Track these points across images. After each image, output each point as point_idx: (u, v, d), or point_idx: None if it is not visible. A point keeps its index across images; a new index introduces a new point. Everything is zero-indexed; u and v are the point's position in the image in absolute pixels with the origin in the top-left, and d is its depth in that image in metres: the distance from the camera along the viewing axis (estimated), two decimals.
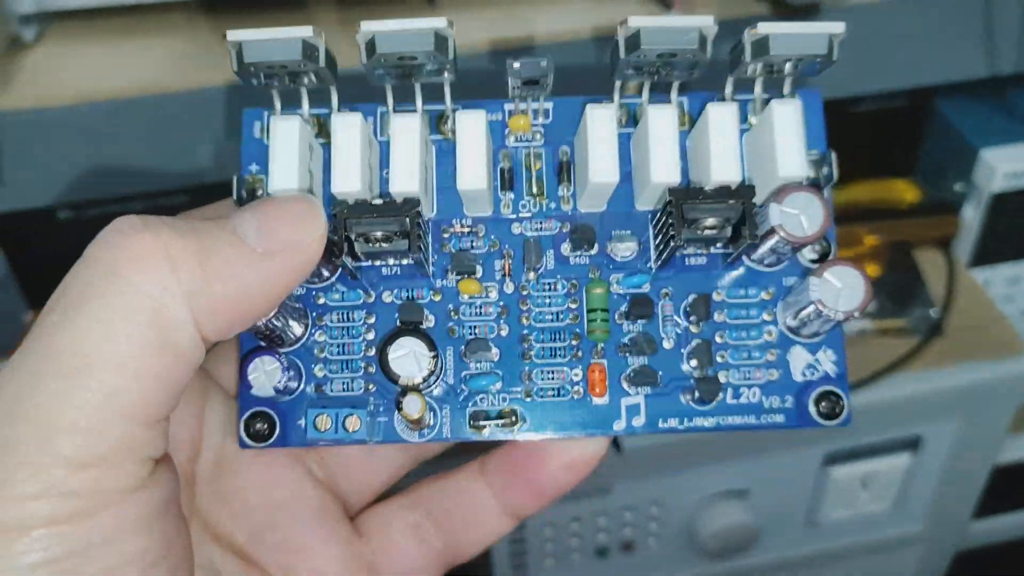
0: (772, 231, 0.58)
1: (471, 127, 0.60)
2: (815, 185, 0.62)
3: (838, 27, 0.58)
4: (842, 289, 0.58)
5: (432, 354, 0.60)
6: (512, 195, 0.65)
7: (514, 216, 0.65)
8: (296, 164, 0.59)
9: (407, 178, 0.59)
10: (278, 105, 0.62)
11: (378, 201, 0.58)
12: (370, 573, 0.68)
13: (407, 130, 0.59)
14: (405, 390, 0.60)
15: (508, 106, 0.66)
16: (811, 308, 0.59)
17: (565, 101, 0.66)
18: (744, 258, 0.64)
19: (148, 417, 0.48)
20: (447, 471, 0.69)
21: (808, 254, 0.64)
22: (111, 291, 0.47)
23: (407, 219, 0.57)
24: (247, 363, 0.61)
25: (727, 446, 1.29)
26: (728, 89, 0.63)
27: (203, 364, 0.65)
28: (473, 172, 0.60)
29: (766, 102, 0.63)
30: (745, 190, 0.58)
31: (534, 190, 0.65)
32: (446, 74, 0.60)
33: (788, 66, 0.59)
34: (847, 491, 1.37)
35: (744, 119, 0.65)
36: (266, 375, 0.61)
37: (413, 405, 0.59)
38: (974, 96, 1.36)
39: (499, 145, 0.66)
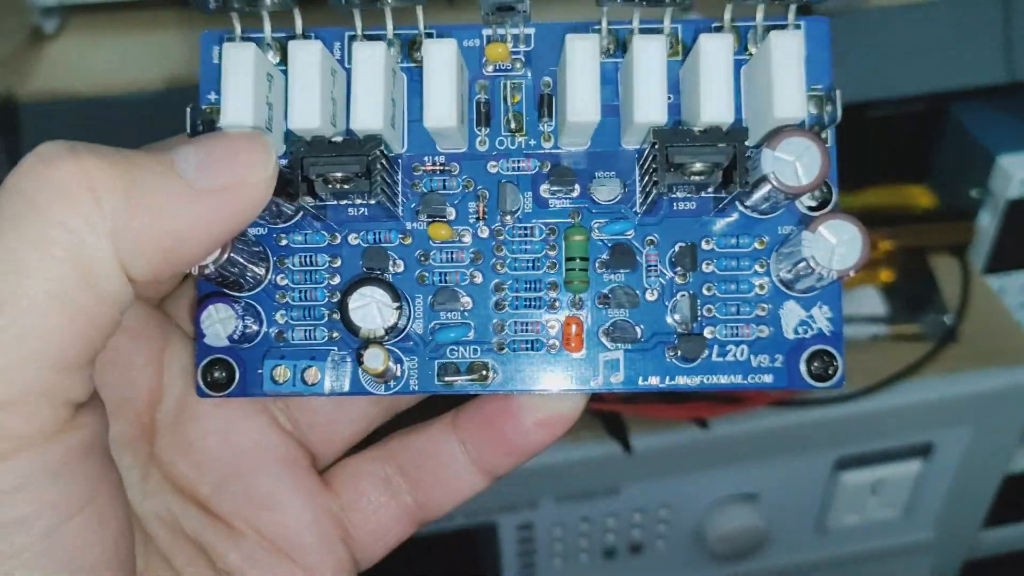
0: (764, 179, 0.53)
1: (439, 58, 0.55)
2: (817, 127, 0.58)
3: None
4: (837, 245, 0.54)
5: (396, 305, 0.56)
6: (488, 130, 0.60)
7: (491, 153, 0.60)
8: (250, 96, 0.54)
9: (370, 114, 0.54)
10: (238, 29, 0.57)
11: (338, 139, 0.54)
12: (339, 528, 0.65)
13: (370, 60, 0.55)
14: (367, 342, 0.57)
15: (486, 31, 0.60)
16: (802, 264, 0.55)
17: (548, 26, 0.61)
18: (737, 204, 0.59)
19: (65, 360, 0.45)
20: (419, 424, 0.66)
21: (807, 201, 0.60)
22: (26, 223, 0.44)
23: (368, 159, 0.53)
24: (200, 310, 0.58)
25: (738, 449, 1.27)
26: (726, 16, 0.58)
27: (164, 306, 0.63)
28: (441, 108, 0.55)
29: (768, 31, 0.57)
30: (736, 133, 0.53)
31: (512, 125, 0.60)
32: None
33: None
34: (857, 497, 1.35)
35: (744, 48, 0.60)
36: (220, 324, 0.58)
37: (375, 359, 0.56)
38: (991, 102, 1.34)
39: (475, 75, 0.61)
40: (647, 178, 0.57)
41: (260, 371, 0.60)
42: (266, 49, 0.59)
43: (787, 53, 0.54)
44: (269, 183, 0.49)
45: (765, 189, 0.54)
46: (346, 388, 0.60)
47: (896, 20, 1.17)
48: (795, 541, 1.42)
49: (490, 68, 0.61)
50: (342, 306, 0.56)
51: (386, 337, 0.57)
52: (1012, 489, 1.45)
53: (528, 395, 0.61)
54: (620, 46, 0.60)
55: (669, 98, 0.57)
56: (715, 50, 0.54)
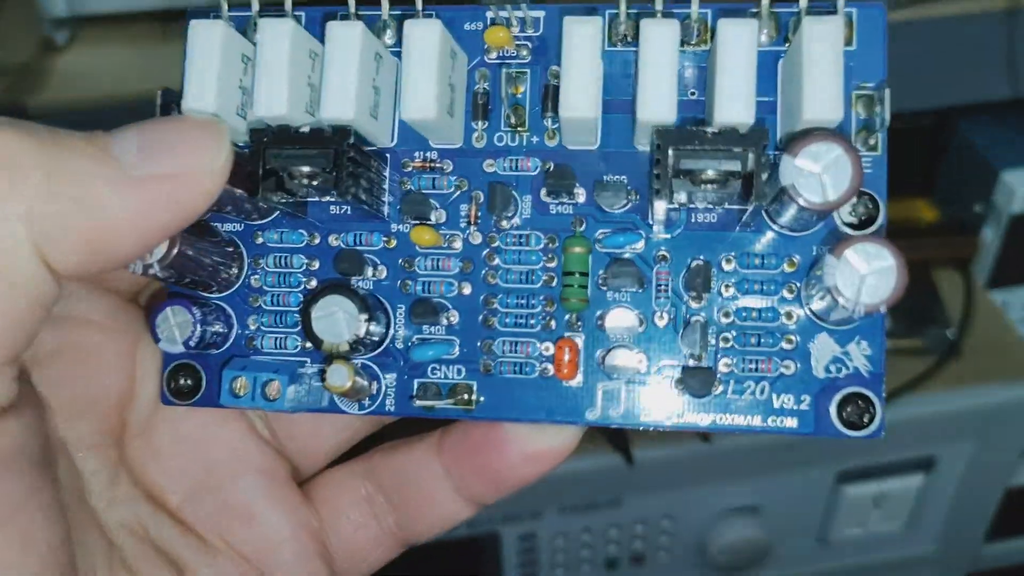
0: (783, 192, 0.45)
1: (419, 41, 0.49)
2: (865, 132, 0.51)
3: None
4: (867, 275, 0.45)
5: (364, 317, 0.50)
6: (487, 125, 0.54)
7: (488, 150, 0.54)
8: (214, 80, 0.48)
9: (340, 102, 0.48)
10: (224, 6, 0.52)
11: (305, 129, 0.48)
12: (318, 545, 0.59)
13: (344, 42, 0.49)
14: (330, 357, 0.52)
15: (489, 14, 0.54)
16: (826, 294, 0.46)
17: (560, 9, 0.52)
18: (765, 218, 0.51)
19: None
20: (404, 441, 0.59)
21: (846, 217, 0.50)
22: None
23: (334, 153, 0.47)
24: (155, 312, 0.53)
25: (740, 462, 1.27)
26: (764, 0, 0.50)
27: (140, 302, 0.58)
28: (419, 97, 0.49)
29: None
30: (754, 135, 0.45)
31: (512, 120, 0.53)
32: None
33: None
34: (859, 510, 1.35)
35: (784, 39, 0.51)
36: (176, 328, 0.52)
37: (338, 376, 0.51)
38: (996, 118, 1.34)
39: (476, 63, 0.54)
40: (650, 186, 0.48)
41: (219, 381, 0.54)
42: (254, 29, 0.53)
43: (822, 43, 0.46)
44: (218, 174, 0.44)
45: (792, 207, 0.45)
46: (310, 405, 0.54)
47: (901, 36, 1.17)
48: (797, 554, 1.41)
49: (493, 55, 0.54)
50: (304, 316, 0.51)
51: (352, 352, 0.52)
52: (1014, 503, 1.45)
53: (517, 424, 0.54)
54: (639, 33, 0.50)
55: (692, 94, 0.52)
56: (734, 37, 0.46)
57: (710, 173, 0.45)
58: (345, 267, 0.53)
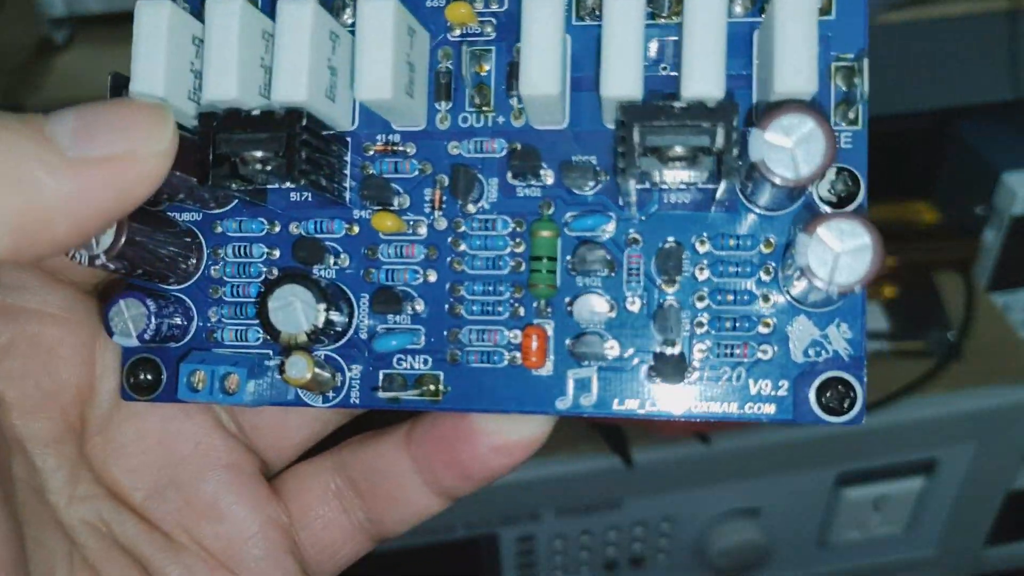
0: (754, 169, 0.43)
1: (373, 17, 0.47)
2: (844, 105, 0.48)
3: None
4: (841, 253, 0.42)
5: (322, 306, 0.49)
6: (451, 106, 0.52)
7: (452, 132, 0.52)
8: (162, 62, 0.46)
9: (291, 83, 0.46)
10: None
11: (256, 112, 0.46)
12: (287, 540, 0.58)
13: (295, 19, 0.46)
14: (288, 348, 0.50)
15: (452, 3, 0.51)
16: (802, 276, 0.44)
17: None
18: (740, 197, 0.49)
19: None
20: (373, 433, 0.58)
21: (824, 195, 0.48)
22: None
23: (286, 136, 0.45)
24: (109, 305, 0.51)
25: (740, 464, 1.26)
26: None
27: (97, 296, 0.56)
28: (373, 76, 0.47)
29: None
30: (724, 109, 0.43)
31: (477, 100, 0.51)
32: None
33: None
34: (859, 513, 1.34)
35: (760, 9, 0.49)
36: (130, 321, 0.50)
37: (296, 367, 0.49)
38: (996, 119, 1.34)
39: (439, 41, 0.52)
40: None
41: (178, 375, 0.51)
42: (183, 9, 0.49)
43: (796, 11, 0.44)
44: (161, 158, 0.42)
45: (765, 184, 0.43)
46: (273, 399, 0.52)
47: (902, 37, 1.17)
48: (797, 557, 1.40)
49: (456, 32, 0.52)
50: (260, 307, 0.49)
51: (312, 343, 0.50)
52: (1015, 506, 1.44)
53: (485, 415, 0.53)
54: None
55: (664, 69, 0.50)
56: (703, 6, 0.44)
57: (678, 150, 0.43)
58: (304, 256, 0.52)
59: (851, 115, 0.49)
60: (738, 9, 0.50)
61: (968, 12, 1.14)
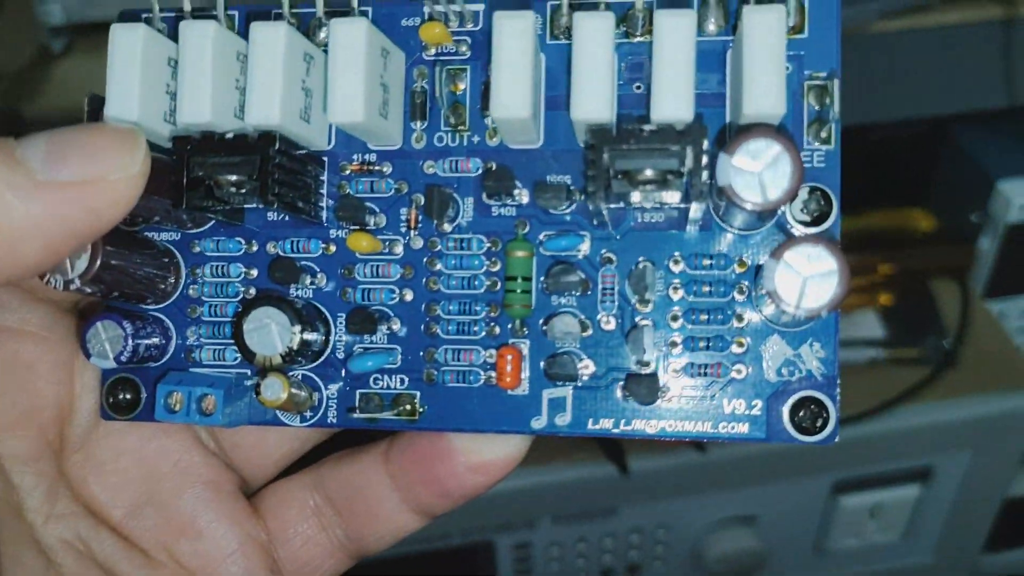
0: (722, 193, 0.43)
1: (346, 40, 0.47)
2: (817, 124, 0.49)
3: None
4: (809, 278, 0.43)
5: (297, 328, 0.49)
6: (426, 125, 0.52)
7: (428, 151, 0.52)
8: (136, 86, 0.46)
9: (265, 106, 0.46)
10: (156, 8, 0.50)
11: (230, 136, 0.46)
12: (266, 559, 0.58)
13: (269, 43, 0.46)
14: (264, 370, 0.50)
15: (426, 9, 0.51)
16: (768, 296, 0.44)
17: (497, 2, 0.51)
18: (713, 217, 0.49)
19: None
20: (351, 451, 0.58)
21: (797, 215, 0.48)
22: None
23: (260, 159, 0.46)
24: (87, 326, 0.51)
25: (736, 471, 1.26)
26: None
27: (77, 314, 0.56)
28: (347, 100, 0.47)
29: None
30: (693, 132, 0.43)
31: (452, 120, 0.51)
32: None
33: None
34: (856, 520, 1.34)
35: (732, 29, 0.49)
36: (108, 343, 0.50)
37: (272, 389, 0.49)
38: (992, 127, 1.33)
39: (414, 60, 0.52)
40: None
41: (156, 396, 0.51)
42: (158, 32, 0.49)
43: (764, 34, 0.44)
44: (133, 182, 0.42)
45: (735, 208, 0.43)
46: (251, 418, 0.52)
47: (897, 44, 1.17)
48: (793, 564, 1.39)
49: (431, 52, 0.52)
50: (235, 329, 0.50)
51: (288, 364, 0.50)
52: (1012, 513, 1.44)
53: (462, 434, 0.53)
54: None
55: (638, 87, 0.50)
56: (671, 29, 0.44)
57: (648, 173, 0.43)
58: (280, 276, 0.52)
59: (823, 134, 0.49)
60: (711, 27, 0.50)
61: (963, 20, 1.14)
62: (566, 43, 0.50)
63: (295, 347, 0.49)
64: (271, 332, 0.49)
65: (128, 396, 0.54)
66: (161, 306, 0.54)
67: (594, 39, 0.45)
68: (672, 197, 0.45)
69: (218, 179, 0.46)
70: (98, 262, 0.47)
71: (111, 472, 0.56)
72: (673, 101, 0.43)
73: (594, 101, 0.44)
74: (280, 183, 0.46)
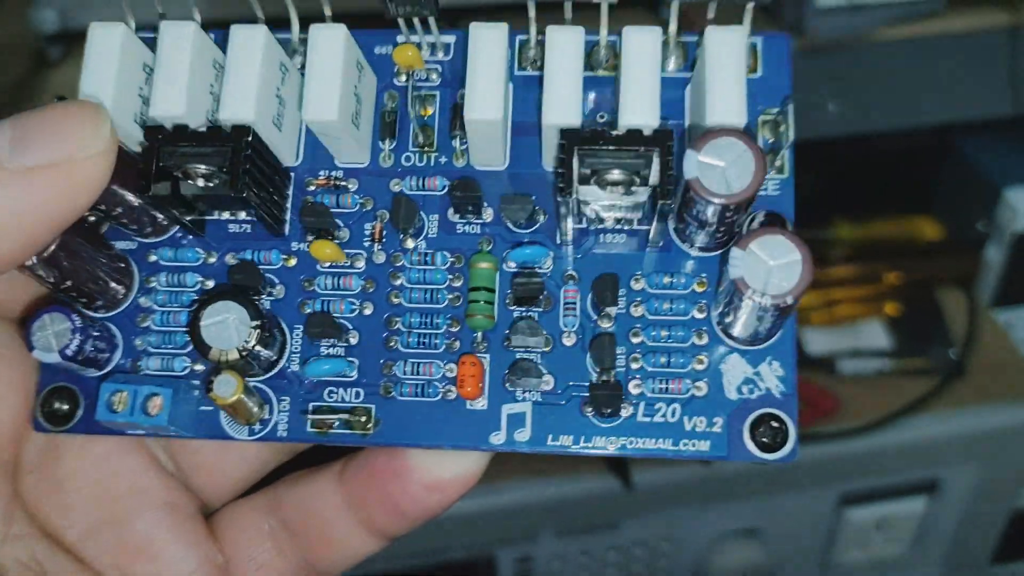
0: (687, 188, 0.44)
1: (325, 44, 0.48)
2: (771, 155, 0.50)
3: None
4: (774, 268, 0.43)
5: (255, 324, 0.47)
6: (394, 144, 0.53)
7: (395, 170, 0.52)
8: (111, 82, 0.46)
9: (240, 102, 0.47)
10: (130, 19, 0.49)
11: (203, 128, 0.47)
12: None
13: (248, 44, 0.48)
14: (218, 367, 0.48)
15: (400, 38, 0.53)
16: (733, 291, 0.45)
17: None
18: (674, 238, 0.50)
19: None
20: (308, 471, 0.56)
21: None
22: None
23: (232, 150, 0.46)
24: (33, 318, 0.49)
25: (740, 484, 1.24)
26: (672, 26, 0.50)
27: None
28: (322, 98, 0.47)
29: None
30: (659, 136, 0.44)
31: (420, 140, 0.52)
32: None
33: None
34: (862, 533, 1.33)
35: (691, 66, 0.52)
36: (54, 336, 0.48)
37: (226, 386, 0.47)
38: (997, 135, 1.34)
39: (385, 85, 0.53)
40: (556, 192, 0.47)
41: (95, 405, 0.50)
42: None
43: (725, 50, 0.47)
44: (103, 159, 0.42)
45: (699, 205, 0.45)
46: (197, 430, 0.51)
47: (903, 53, 1.16)
48: None
49: (402, 78, 0.53)
50: (193, 321, 0.48)
51: (242, 362, 0.48)
52: (1020, 525, 1.43)
53: (419, 452, 0.51)
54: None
55: (602, 117, 0.52)
56: (639, 43, 0.47)
57: (615, 174, 0.45)
58: (240, 278, 0.51)
59: (778, 163, 0.51)
60: (671, 66, 0.52)
61: (969, 28, 1.15)
62: (532, 74, 0.53)
63: (252, 343, 0.48)
64: (229, 326, 0.48)
65: (65, 407, 0.52)
66: (110, 314, 0.52)
67: (566, 49, 0.47)
68: (636, 213, 0.48)
69: (188, 169, 0.46)
70: (57, 241, 0.46)
71: (67, 492, 0.54)
72: (640, 109, 0.45)
73: (566, 106, 0.46)
74: (250, 176, 0.47)
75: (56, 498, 0.54)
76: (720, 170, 0.43)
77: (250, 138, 0.46)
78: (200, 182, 0.47)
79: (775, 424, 0.49)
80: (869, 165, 1.35)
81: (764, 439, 0.48)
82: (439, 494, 0.52)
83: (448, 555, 1.25)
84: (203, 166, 0.46)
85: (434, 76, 0.53)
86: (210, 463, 0.57)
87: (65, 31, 1.12)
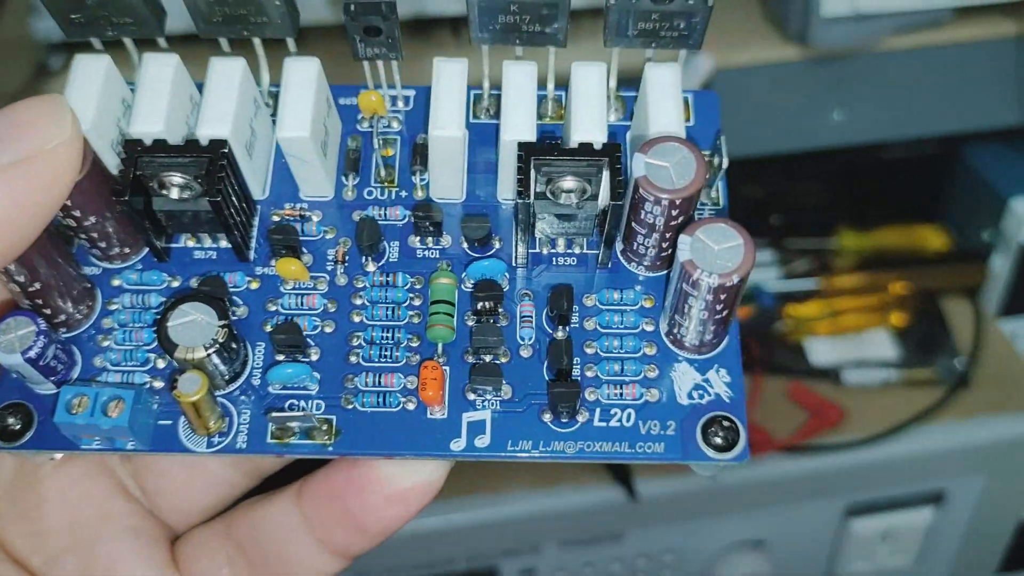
0: (636, 187, 0.48)
1: (299, 74, 0.52)
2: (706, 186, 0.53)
3: None
4: (718, 252, 0.47)
5: (221, 323, 0.48)
6: (358, 180, 0.56)
7: (357, 203, 0.56)
8: (92, 111, 0.48)
9: (217, 119, 0.50)
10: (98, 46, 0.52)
11: (180, 142, 0.49)
12: None
13: (226, 71, 0.51)
14: (183, 366, 0.49)
15: (364, 90, 0.57)
16: (682, 276, 0.48)
17: (428, 89, 0.55)
18: (621, 259, 0.54)
19: None
20: (267, 494, 0.55)
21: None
22: None
23: (208, 160, 0.48)
24: None
25: (745, 495, 1.23)
26: (612, 81, 0.55)
27: None
28: (297, 117, 0.51)
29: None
30: (609, 148, 0.49)
31: (383, 174, 0.56)
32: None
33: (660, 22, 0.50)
34: (868, 545, 1.31)
35: (630, 116, 0.57)
36: (17, 338, 0.48)
37: (190, 383, 0.48)
38: (1005, 144, 1.36)
39: (349, 129, 0.57)
40: (520, 216, 0.51)
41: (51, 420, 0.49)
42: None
43: (663, 77, 0.53)
44: (70, 148, 0.44)
45: (647, 207, 0.49)
46: (154, 444, 0.51)
47: (908, 62, 1.17)
48: None
49: (365, 125, 0.58)
50: (161, 320, 0.49)
51: (208, 361, 0.49)
52: None
53: (377, 463, 0.51)
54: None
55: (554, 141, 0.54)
56: (585, 75, 0.52)
57: (569, 181, 0.49)
58: (208, 290, 0.52)
59: (713, 195, 0.56)
60: (612, 117, 0.58)
61: (975, 37, 1.16)
62: (487, 122, 0.58)
63: (220, 342, 0.48)
64: (196, 326, 0.48)
65: (18, 424, 0.51)
66: (71, 334, 0.53)
67: (520, 79, 0.52)
68: (587, 224, 0.52)
69: (163, 178, 0.48)
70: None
71: (33, 519, 0.53)
72: (589, 127, 0.50)
73: (522, 125, 0.51)
74: (224, 186, 0.49)
75: (21, 524, 0.53)
76: (665, 169, 0.48)
77: (226, 150, 0.49)
78: (175, 192, 0.49)
79: (726, 424, 0.51)
80: (874, 174, 1.35)
81: (717, 439, 0.51)
82: (400, 506, 0.52)
83: (451, 567, 1.23)
84: (179, 175, 0.49)
85: (395, 124, 0.58)
86: (176, 487, 0.57)
87: (66, 41, 1.12)
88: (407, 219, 0.55)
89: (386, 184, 0.56)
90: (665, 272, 0.54)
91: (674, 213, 0.49)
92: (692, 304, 0.49)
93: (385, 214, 0.55)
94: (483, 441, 0.51)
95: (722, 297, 0.48)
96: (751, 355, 1.28)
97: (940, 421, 1.23)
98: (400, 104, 0.58)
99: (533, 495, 1.16)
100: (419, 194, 0.56)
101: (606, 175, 0.49)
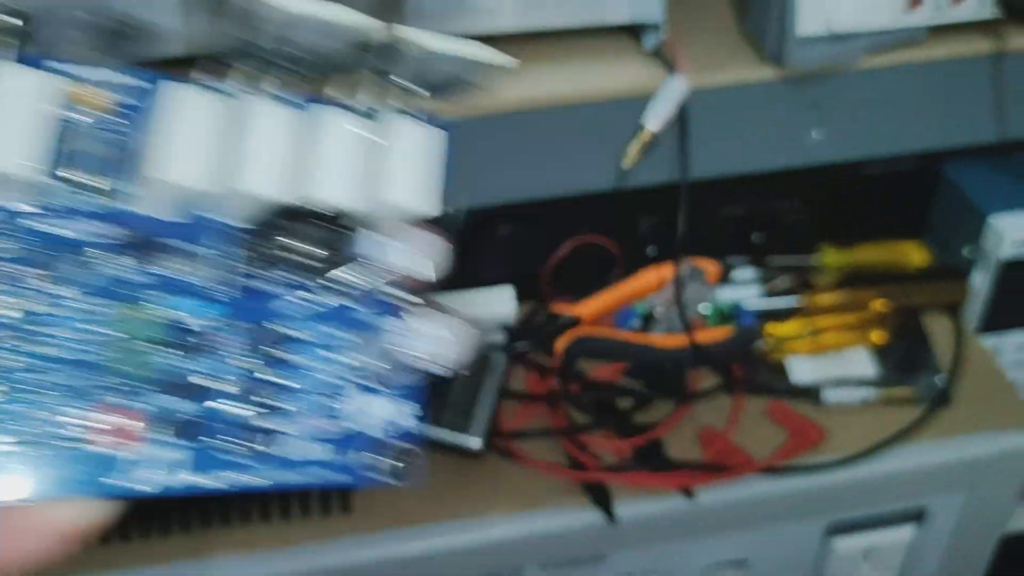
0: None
1: (13, 87, 0.47)
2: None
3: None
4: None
5: None
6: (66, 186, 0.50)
7: (62, 212, 0.49)
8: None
9: None
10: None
11: None
12: None
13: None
14: None
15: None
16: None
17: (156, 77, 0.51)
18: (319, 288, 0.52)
19: None
20: None
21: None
22: None
23: None
24: None
25: (726, 516, 1.24)
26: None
27: None
28: (11, 148, 0.47)
29: None
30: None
31: (95, 183, 0.50)
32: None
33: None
34: (849, 563, 1.30)
35: None
36: None
37: None
38: (983, 161, 1.37)
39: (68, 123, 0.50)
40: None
41: None
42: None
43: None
44: None
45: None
46: None
47: (885, 81, 1.17)
48: None
49: (86, 119, 0.50)
50: None
51: None
52: (1010, 550, 1.41)
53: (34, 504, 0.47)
54: None
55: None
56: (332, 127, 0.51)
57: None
58: None
59: None
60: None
61: (952, 55, 1.17)
62: None
63: None
64: None
65: None
66: None
67: (261, 119, 0.51)
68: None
69: None
70: None
71: None
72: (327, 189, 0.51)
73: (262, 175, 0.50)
74: None
75: None
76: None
77: None
78: None
79: (403, 454, 0.52)
80: (854, 192, 1.35)
81: (387, 467, 0.51)
82: (60, 544, 0.48)
83: None
84: None
85: (121, 121, 0.51)
86: None
87: None
88: (127, 239, 0.51)
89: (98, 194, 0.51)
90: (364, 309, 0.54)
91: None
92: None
93: (96, 230, 0.50)
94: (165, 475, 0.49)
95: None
96: (732, 376, 1.28)
97: (921, 439, 1.23)
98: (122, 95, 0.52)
99: (513, 518, 1.15)
100: (134, 206, 0.51)
101: None
